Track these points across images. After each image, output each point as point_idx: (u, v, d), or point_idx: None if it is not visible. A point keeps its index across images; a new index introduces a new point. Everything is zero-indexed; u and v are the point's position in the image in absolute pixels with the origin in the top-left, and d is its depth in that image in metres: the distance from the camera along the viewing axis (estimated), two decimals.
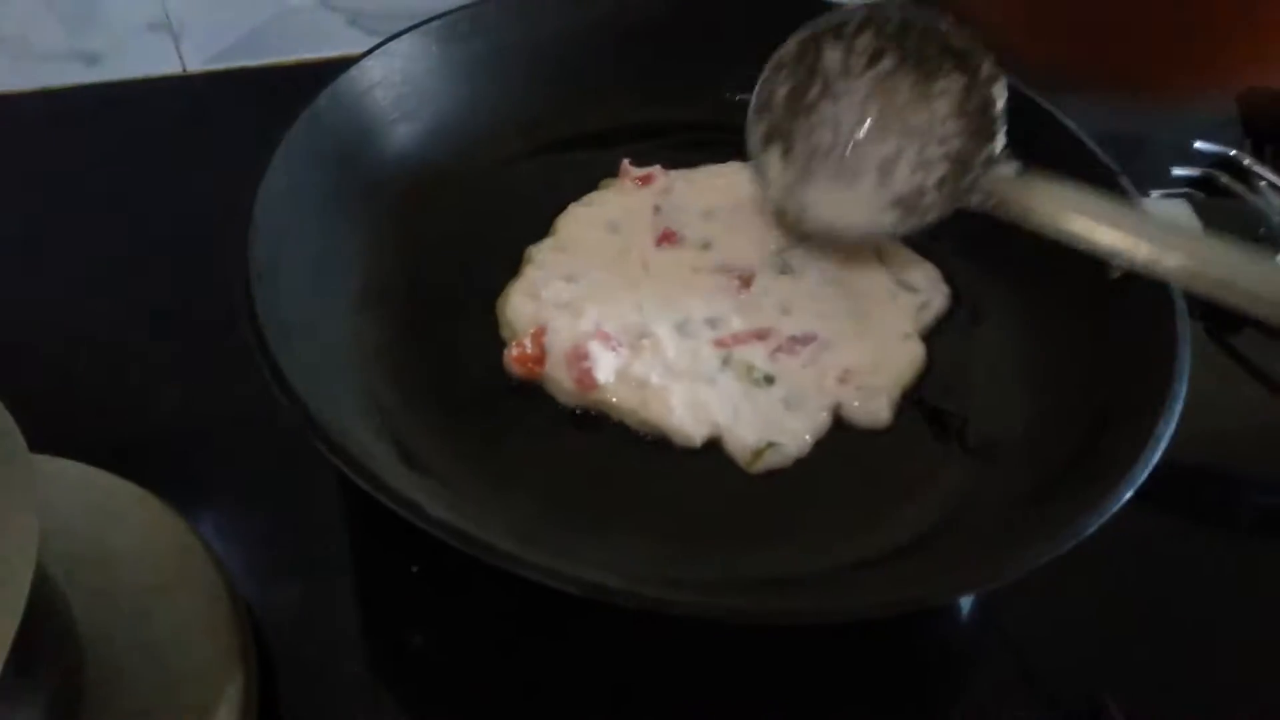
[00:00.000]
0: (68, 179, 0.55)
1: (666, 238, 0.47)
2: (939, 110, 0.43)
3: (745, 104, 0.53)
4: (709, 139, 0.51)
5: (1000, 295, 0.46)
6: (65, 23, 0.58)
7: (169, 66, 0.62)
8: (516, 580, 0.30)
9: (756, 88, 0.46)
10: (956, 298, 0.46)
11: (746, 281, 0.45)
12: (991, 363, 0.44)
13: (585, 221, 0.47)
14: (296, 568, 0.39)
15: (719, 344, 0.43)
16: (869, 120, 0.44)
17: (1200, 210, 0.51)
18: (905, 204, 0.44)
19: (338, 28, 0.63)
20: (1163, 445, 0.35)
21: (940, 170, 0.43)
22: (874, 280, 0.46)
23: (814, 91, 0.45)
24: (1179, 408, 0.36)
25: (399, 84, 0.47)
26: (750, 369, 0.42)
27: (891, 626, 0.37)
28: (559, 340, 0.41)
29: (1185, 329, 0.38)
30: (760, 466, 0.39)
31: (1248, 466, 0.46)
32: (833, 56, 0.44)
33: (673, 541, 0.37)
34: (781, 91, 0.46)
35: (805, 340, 0.43)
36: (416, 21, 0.61)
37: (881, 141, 0.44)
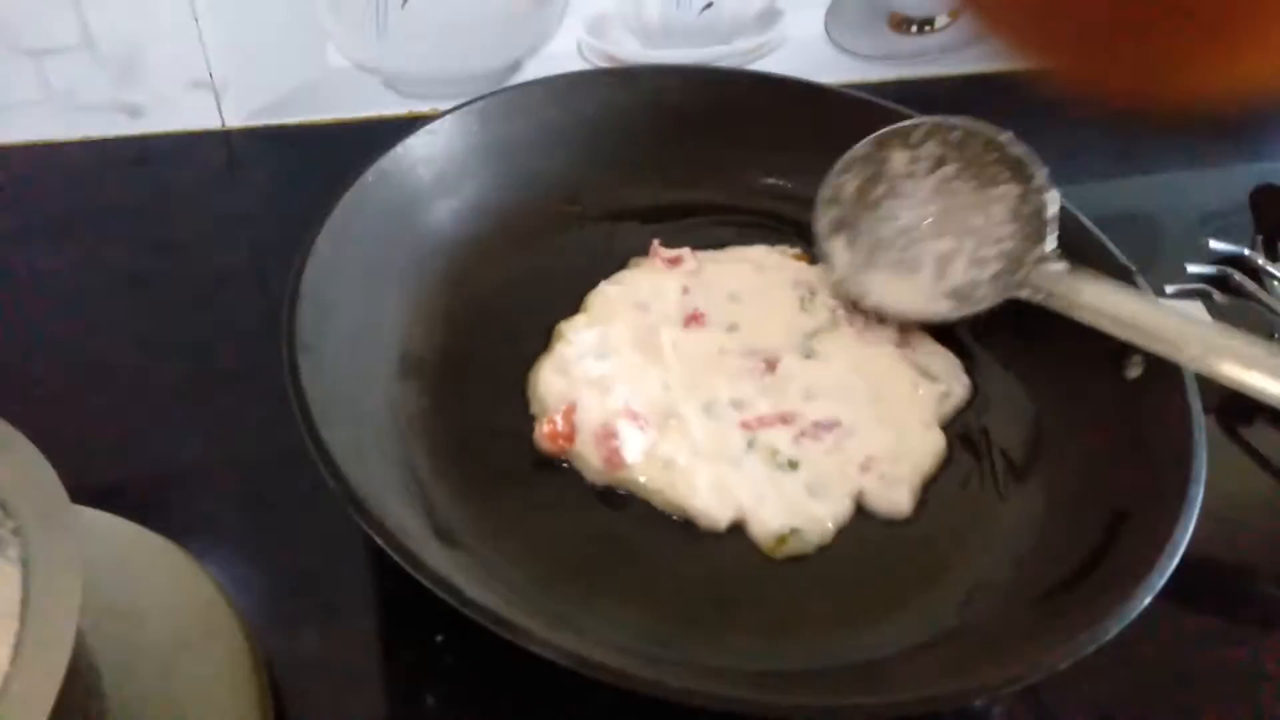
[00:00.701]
0: (107, 227, 0.56)
1: (694, 318, 0.48)
2: (995, 214, 0.46)
3: (773, 188, 0.55)
4: (738, 221, 0.53)
5: (1019, 387, 0.47)
6: (111, 77, 0.60)
7: (209, 122, 0.63)
8: (537, 655, 0.31)
9: (826, 180, 0.49)
10: (976, 388, 0.47)
11: (771, 365, 0.46)
12: (1010, 455, 0.44)
13: (615, 299, 0.48)
14: (318, 625, 0.39)
15: (744, 426, 0.43)
16: (929, 219, 0.48)
17: (1214, 312, 0.52)
18: (959, 295, 0.47)
19: (374, 90, 0.64)
20: (1181, 549, 0.35)
21: (994, 267, 0.46)
22: (896, 369, 0.46)
23: (880, 189, 0.49)
24: (1196, 511, 0.37)
25: (442, 161, 0.49)
26: (775, 453, 0.43)
27: None
28: (589, 418, 0.42)
29: (1201, 432, 0.39)
30: (783, 552, 0.40)
31: (1259, 559, 0.47)
32: (899, 159, 0.48)
33: (697, 627, 0.37)
34: (850, 186, 0.49)
35: (829, 426, 0.44)
36: (447, 86, 0.64)
37: (940, 239, 0.47)
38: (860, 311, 0.49)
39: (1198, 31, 0.19)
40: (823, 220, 0.49)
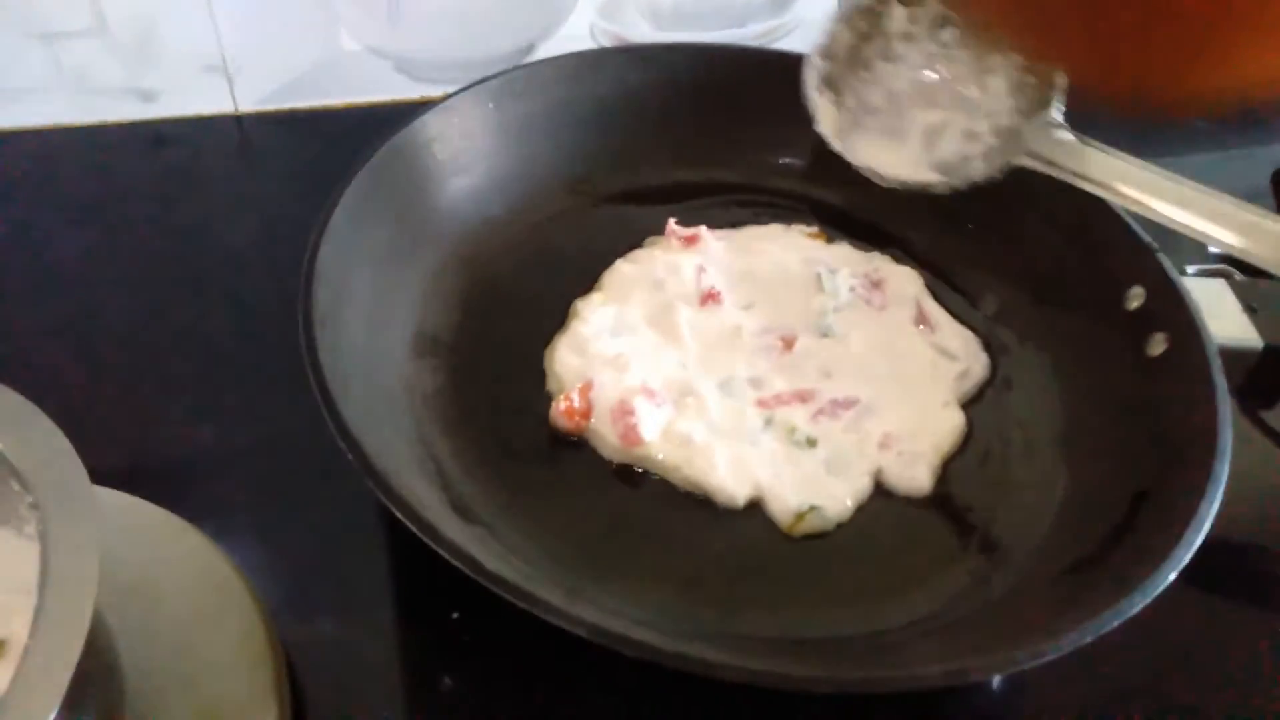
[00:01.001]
0: (121, 210, 0.57)
1: (710, 297, 0.47)
2: (993, 86, 0.44)
3: (788, 168, 0.55)
4: (753, 200, 0.52)
5: (1039, 365, 0.46)
6: (125, 62, 0.60)
7: (222, 106, 0.63)
8: (557, 630, 0.31)
9: (824, 31, 0.46)
10: (995, 366, 0.47)
11: (788, 343, 0.46)
12: (1030, 433, 0.44)
13: (631, 278, 0.48)
14: (333, 604, 0.39)
15: (761, 404, 0.43)
16: (921, 88, 0.45)
17: (1237, 290, 0.51)
18: (948, 168, 0.45)
19: (385, 74, 0.64)
20: (1206, 527, 0.35)
21: (987, 142, 0.44)
22: (914, 347, 0.46)
23: (874, 48, 0.46)
24: (1221, 489, 0.36)
25: (456, 139, 0.48)
26: (792, 430, 0.42)
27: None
28: (605, 395, 0.42)
29: (1226, 408, 0.39)
30: (802, 529, 0.40)
31: (1276, 540, 0.46)
32: (899, 17, 0.45)
33: (715, 603, 0.37)
34: (844, 42, 0.46)
35: (847, 404, 0.43)
36: (459, 70, 0.64)
37: (930, 109, 0.45)
38: (878, 290, 0.48)
39: (1196, 32, 0.19)
40: (812, 73, 0.47)
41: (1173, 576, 0.33)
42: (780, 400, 0.43)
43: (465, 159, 0.49)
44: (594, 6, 0.65)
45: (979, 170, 0.44)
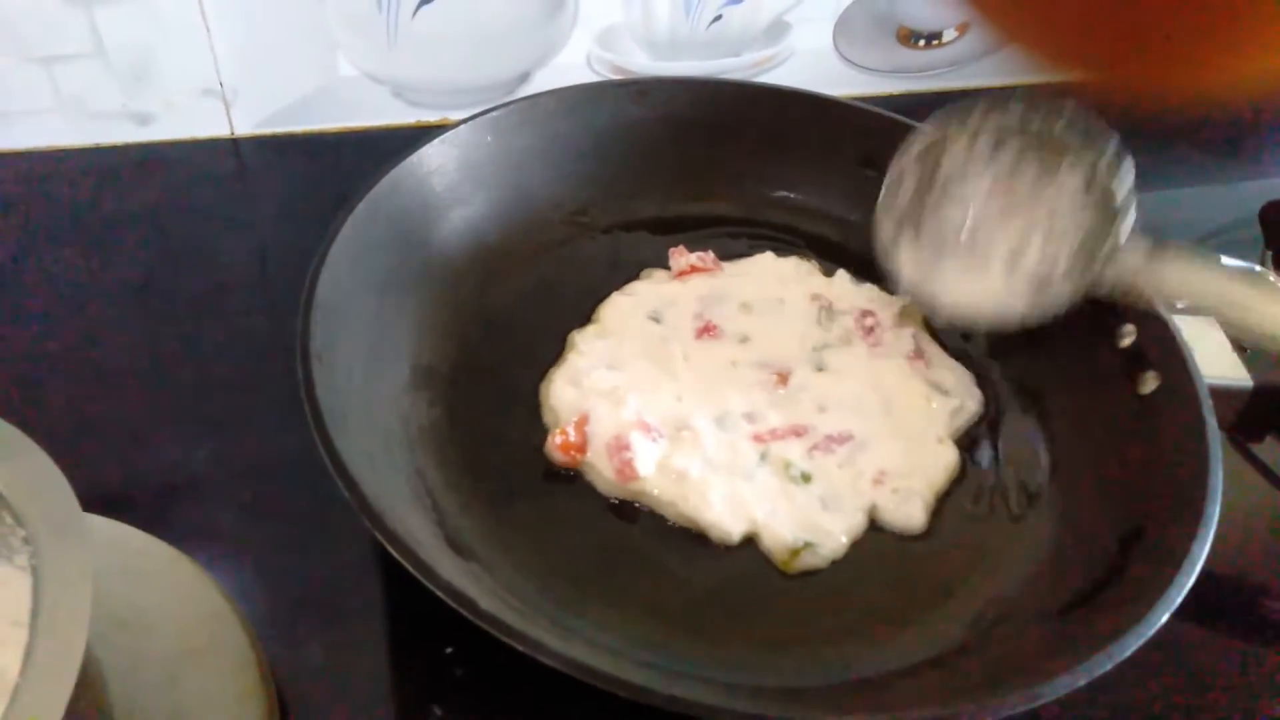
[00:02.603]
0: (117, 234, 0.56)
1: (706, 330, 0.47)
2: (1061, 202, 0.43)
3: (783, 201, 0.55)
4: (749, 233, 0.53)
5: (1032, 402, 0.47)
6: (122, 84, 0.60)
7: (219, 130, 0.63)
8: (548, 668, 0.30)
9: (885, 181, 0.46)
10: (988, 402, 0.47)
11: (784, 378, 0.46)
12: (1022, 470, 0.44)
13: (627, 310, 0.48)
14: (326, 635, 0.39)
15: (757, 439, 0.43)
16: (994, 213, 0.44)
17: None
18: (1033, 293, 0.44)
19: (382, 99, 0.65)
20: (1198, 567, 0.35)
21: (1065, 261, 0.43)
22: (909, 383, 0.46)
23: (939, 185, 0.45)
24: (1213, 529, 0.36)
25: (454, 171, 0.49)
26: (788, 465, 0.42)
27: None
28: (601, 429, 0.42)
29: (1217, 447, 0.39)
30: (797, 566, 0.40)
31: (1269, 575, 0.46)
32: (956, 151, 0.44)
33: (710, 640, 0.37)
34: (909, 186, 0.46)
35: (841, 439, 0.44)
36: (456, 96, 0.64)
37: (1007, 232, 0.44)
38: (873, 324, 0.48)
39: (1205, 30, 0.19)
40: (884, 226, 0.46)
41: (1165, 618, 0.33)
42: (775, 435, 0.43)
43: (464, 191, 0.49)
44: (591, 35, 0.65)
45: (1061, 292, 0.43)
